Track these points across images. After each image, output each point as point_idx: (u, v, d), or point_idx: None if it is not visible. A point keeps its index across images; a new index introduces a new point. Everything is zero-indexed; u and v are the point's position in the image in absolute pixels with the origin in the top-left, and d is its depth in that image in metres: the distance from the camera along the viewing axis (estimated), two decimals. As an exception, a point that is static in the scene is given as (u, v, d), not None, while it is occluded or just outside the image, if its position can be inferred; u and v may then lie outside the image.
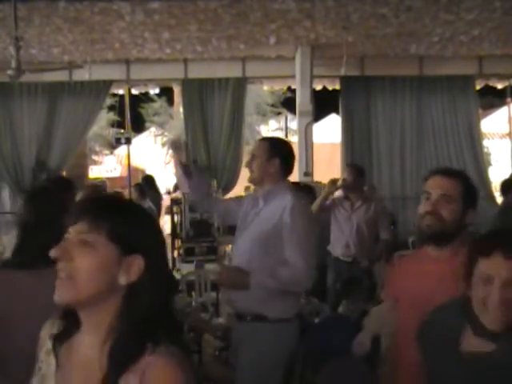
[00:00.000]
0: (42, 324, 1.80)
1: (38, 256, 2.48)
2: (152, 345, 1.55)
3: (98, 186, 10.71)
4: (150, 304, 1.58)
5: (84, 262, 1.55)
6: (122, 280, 1.58)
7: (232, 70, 11.21)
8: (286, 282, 3.56)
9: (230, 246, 11.04)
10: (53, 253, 1.56)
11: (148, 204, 9.97)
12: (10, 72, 7.24)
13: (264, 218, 3.74)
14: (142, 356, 1.54)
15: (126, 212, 1.65)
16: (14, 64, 7.13)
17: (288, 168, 3.92)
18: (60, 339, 1.69)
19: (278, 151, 3.86)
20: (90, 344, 1.61)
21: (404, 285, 2.89)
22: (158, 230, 1.72)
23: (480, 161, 11.33)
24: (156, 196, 11.91)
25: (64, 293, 1.56)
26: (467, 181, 2.81)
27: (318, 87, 11.66)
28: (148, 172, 20.22)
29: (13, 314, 2.71)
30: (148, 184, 12.04)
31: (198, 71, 11.20)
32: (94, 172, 22.93)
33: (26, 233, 2.95)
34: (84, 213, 1.60)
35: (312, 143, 10.47)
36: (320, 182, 9.71)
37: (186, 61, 11.16)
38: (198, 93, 11.18)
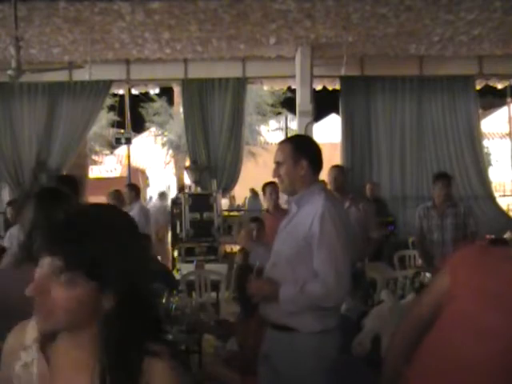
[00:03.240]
0: None
1: None
2: (148, 355, 1.55)
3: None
4: (131, 323, 1.55)
5: (62, 299, 1.47)
6: (106, 305, 1.53)
7: (232, 70, 11.21)
8: (315, 298, 3.35)
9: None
10: (29, 291, 1.47)
11: (140, 204, 9.97)
12: (10, 72, 7.25)
13: (295, 226, 3.51)
14: (141, 367, 1.54)
15: (106, 245, 1.51)
16: (14, 64, 7.13)
17: (318, 167, 3.60)
18: (45, 341, 1.63)
19: (304, 151, 3.55)
20: (79, 357, 1.59)
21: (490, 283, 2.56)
22: (143, 255, 1.66)
23: (480, 161, 11.32)
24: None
25: (45, 324, 1.52)
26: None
27: (318, 87, 11.66)
28: (161, 187, 20.44)
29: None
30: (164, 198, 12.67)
31: (198, 71, 11.20)
32: (94, 172, 22.94)
33: (35, 231, 2.99)
34: (59, 245, 1.49)
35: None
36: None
37: (186, 61, 11.16)
38: (198, 93, 11.19)
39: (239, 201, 20.42)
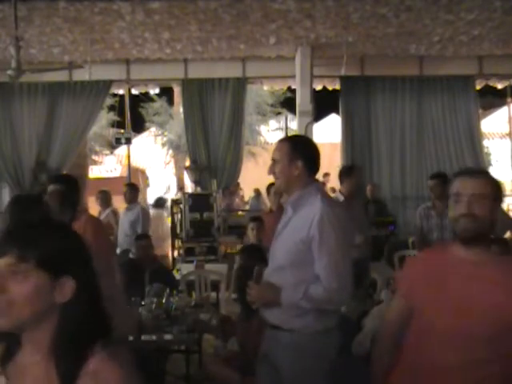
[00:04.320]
0: None
1: None
2: (95, 351, 1.64)
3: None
4: (85, 317, 1.68)
5: (18, 292, 1.61)
6: (58, 300, 1.66)
7: (232, 70, 11.21)
8: (318, 302, 3.36)
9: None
10: None
11: (141, 205, 10.01)
12: (10, 72, 7.25)
13: (293, 230, 3.48)
14: (86, 362, 1.62)
15: (51, 239, 1.69)
16: (14, 64, 7.14)
17: (314, 168, 3.60)
18: (5, 360, 1.76)
19: (300, 151, 3.55)
20: (35, 362, 1.68)
21: (434, 288, 2.74)
22: (84, 248, 1.77)
23: (480, 161, 11.33)
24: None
25: (3, 321, 1.62)
26: (493, 179, 2.77)
27: (318, 87, 11.66)
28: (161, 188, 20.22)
29: None
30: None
31: (198, 71, 11.21)
32: (94, 172, 22.92)
33: None
34: (10, 244, 1.64)
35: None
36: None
37: (186, 61, 11.17)
38: (198, 93, 11.19)
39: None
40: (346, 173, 7.18)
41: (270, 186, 7.83)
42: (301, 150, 3.59)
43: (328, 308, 3.40)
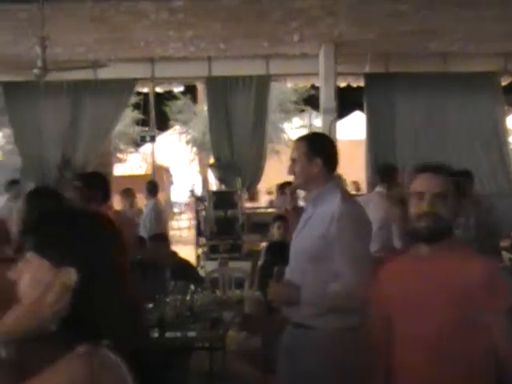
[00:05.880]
0: None
1: None
2: (75, 348, 1.55)
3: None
4: (81, 310, 1.60)
5: (22, 277, 1.61)
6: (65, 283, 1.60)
7: (256, 68, 11.21)
8: (338, 300, 3.36)
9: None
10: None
11: (154, 202, 10.15)
12: (35, 71, 7.33)
13: (313, 227, 3.49)
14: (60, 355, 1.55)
15: (50, 225, 1.68)
16: (40, 63, 7.21)
17: (333, 164, 3.61)
18: None
19: (319, 150, 3.56)
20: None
21: (397, 288, 2.79)
22: (100, 240, 1.68)
23: (506, 158, 11.21)
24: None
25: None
26: (453, 174, 2.83)
27: (342, 84, 11.62)
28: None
29: None
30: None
31: (221, 69, 11.23)
32: (119, 170, 23.04)
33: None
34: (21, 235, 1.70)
35: (336, 140, 10.45)
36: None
37: (209, 59, 11.19)
38: (222, 90, 11.21)
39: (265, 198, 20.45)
40: (387, 174, 7.18)
41: (283, 185, 7.66)
42: (319, 147, 3.60)
43: (349, 306, 3.36)
